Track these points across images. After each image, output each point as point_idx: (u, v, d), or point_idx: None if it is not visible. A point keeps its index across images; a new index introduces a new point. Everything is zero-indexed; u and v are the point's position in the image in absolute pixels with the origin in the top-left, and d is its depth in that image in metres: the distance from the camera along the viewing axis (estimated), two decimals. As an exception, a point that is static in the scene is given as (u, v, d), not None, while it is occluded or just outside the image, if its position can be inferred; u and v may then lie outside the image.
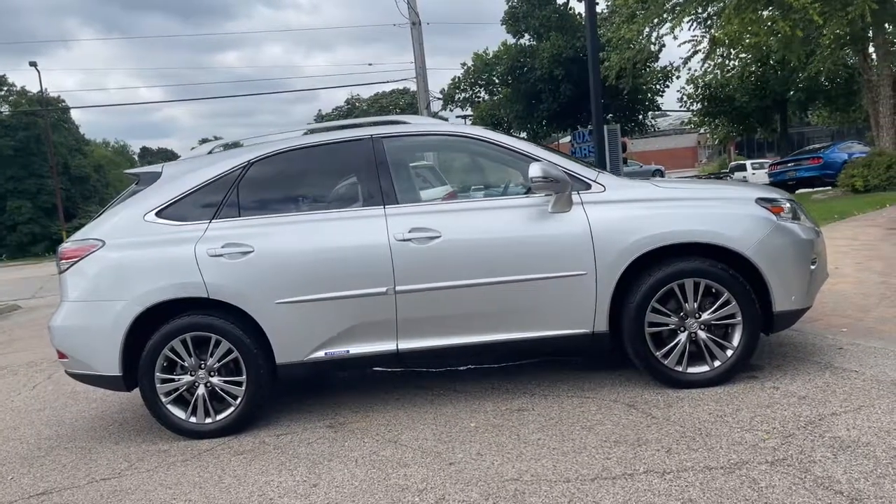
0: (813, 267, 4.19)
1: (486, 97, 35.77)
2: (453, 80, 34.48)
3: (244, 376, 4.22)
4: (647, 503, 2.78)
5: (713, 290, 4.06)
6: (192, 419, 4.28)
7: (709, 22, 18.84)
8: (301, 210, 4.35)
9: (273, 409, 4.60)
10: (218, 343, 4.21)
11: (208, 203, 4.34)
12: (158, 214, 4.35)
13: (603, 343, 4.17)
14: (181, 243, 4.24)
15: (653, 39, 20.66)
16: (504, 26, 31.65)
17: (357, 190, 4.38)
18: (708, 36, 18.51)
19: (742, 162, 38.04)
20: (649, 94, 33.93)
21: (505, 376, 4.77)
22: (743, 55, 34.39)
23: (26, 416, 5.37)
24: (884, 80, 21.14)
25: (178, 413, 4.28)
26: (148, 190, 4.46)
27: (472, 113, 37.01)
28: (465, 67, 34.45)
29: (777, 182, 23.31)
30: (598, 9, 31.44)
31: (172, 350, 4.22)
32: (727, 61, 34.05)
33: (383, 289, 4.12)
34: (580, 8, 31.43)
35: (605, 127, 14.78)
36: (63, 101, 60.68)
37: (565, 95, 30.31)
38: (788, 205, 4.22)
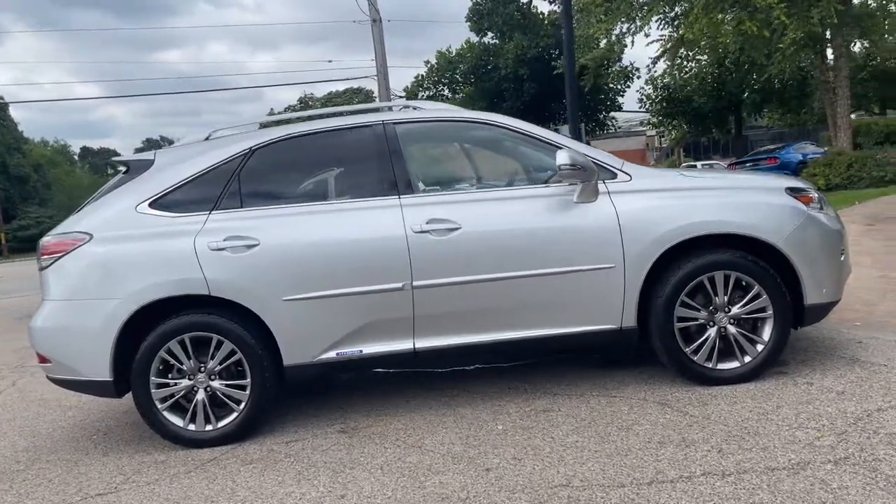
0: (842, 259, 4.09)
1: (450, 95, 35.58)
2: (417, 77, 34.21)
3: (248, 379, 3.91)
4: (717, 509, 2.60)
5: (743, 283, 3.92)
6: (191, 426, 3.94)
7: (676, 22, 18.98)
8: (309, 200, 4.06)
9: (276, 415, 4.29)
10: (220, 344, 3.88)
11: (207, 193, 4.02)
12: (152, 205, 4.01)
13: (630, 339, 3.98)
14: (179, 236, 3.91)
15: (621, 38, 20.75)
16: (468, 24, 31.50)
17: (368, 179, 4.10)
18: (675, 35, 18.64)
19: (693, 163, 38.73)
20: (610, 94, 34.22)
21: (520, 376, 4.55)
22: (699, 57, 35.01)
23: (-4, 426, 4.95)
24: (841, 82, 21.64)
25: (176, 420, 3.94)
26: (139, 179, 4.11)
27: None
28: (429, 65, 34.22)
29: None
30: (560, 8, 31.69)
31: (169, 352, 3.89)
32: (685, 62, 34.62)
33: (399, 284, 3.86)
34: (542, 7, 31.58)
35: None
36: (1, 97, 58.21)
37: (529, 94, 30.35)
38: (816, 195, 4.10)
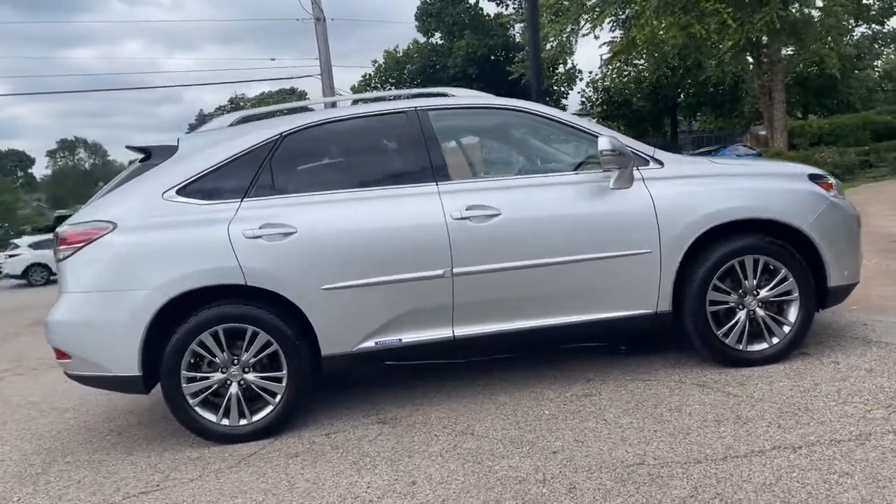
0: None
1: (397, 95, 35.45)
2: (364, 77, 33.95)
3: (284, 371, 3.80)
4: (801, 479, 2.67)
5: (770, 267, 4.03)
6: (225, 421, 3.80)
7: (626, 24, 19.44)
8: (343, 187, 3.97)
9: (302, 409, 4.18)
10: (255, 335, 3.76)
11: (238, 180, 3.89)
12: (180, 192, 3.85)
13: (664, 323, 4.05)
14: (211, 224, 3.77)
15: (571, 40, 21.12)
16: (416, 24, 31.49)
17: (404, 165, 4.05)
18: (625, 38, 19.09)
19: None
20: (555, 96, 34.78)
21: (546, 364, 4.55)
22: (637, 62, 35.94)
23: (-9, 430, 4.67)
24: (778, 86, 22.60)
25: (208, 416, 3.79)
26: (163, 166, 3.94)
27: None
28: (377, 65, 34.01)
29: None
30: (508, 10, 32.13)
31: (201, 345, 3.74)
32: (625, 66, 35.48)
33: (440, 271, 3.82)
34: (489, 8, 31.85)
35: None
36: None
37: (476, 94, 30.52)
38: (834, 181, 4.27)
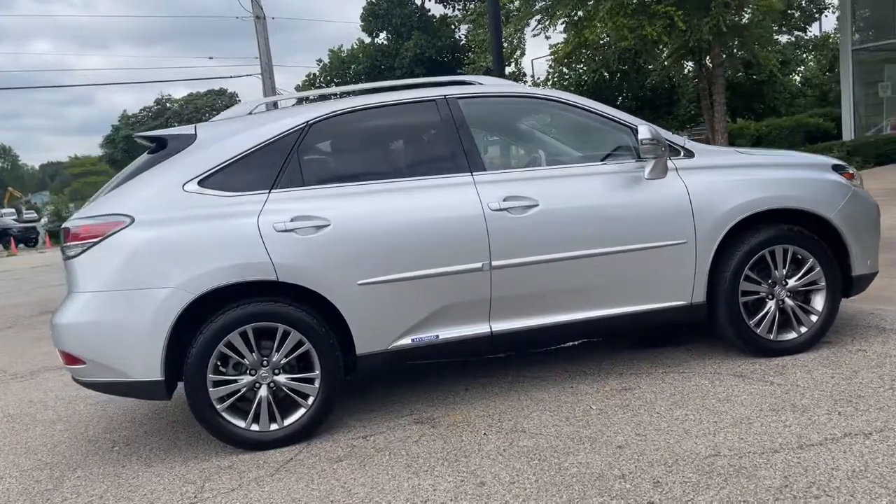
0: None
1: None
2: (308, 76, 33.36)
3: (317, 371, 3.59)
4: (890, 464, 2.65)
5: (799, 257, 4.06)
6: (255, 427, 3.57)
7: (579, 25, 19.63)
8: (375, 178, 3.79)
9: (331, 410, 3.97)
10: (286, 334, 3.55)
11: (264, 170, 3.67)
12: (202, 184, 3.60)
13: (699, 314, 4.03)
14: (238, 217, 3.54)
15: (521, 42, 21.22)
16: (361, 24, 31.15)
17: (437, 155, 3.90)
18: (576, 39, 19.28)
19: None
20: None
21: (568, 360, 4.47)
22: (577, 66, 36.49)
23: (-24, 445, 4.28)
24: (719, 89, 23.27)
25: (237, 421, 3.56)
26: (181, 155, 3.68)
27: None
28: (322, 64, 33.48)
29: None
30: (453, 11, 32.13)
31: (229, 346, 3.51)
32: (566, 70, 35.92)
33: (479, 264, 3.70)
34: (436, 10, 31.80)
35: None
36: None
37: (423, 95, 30.44)
38: (854, 171, 4.34)
